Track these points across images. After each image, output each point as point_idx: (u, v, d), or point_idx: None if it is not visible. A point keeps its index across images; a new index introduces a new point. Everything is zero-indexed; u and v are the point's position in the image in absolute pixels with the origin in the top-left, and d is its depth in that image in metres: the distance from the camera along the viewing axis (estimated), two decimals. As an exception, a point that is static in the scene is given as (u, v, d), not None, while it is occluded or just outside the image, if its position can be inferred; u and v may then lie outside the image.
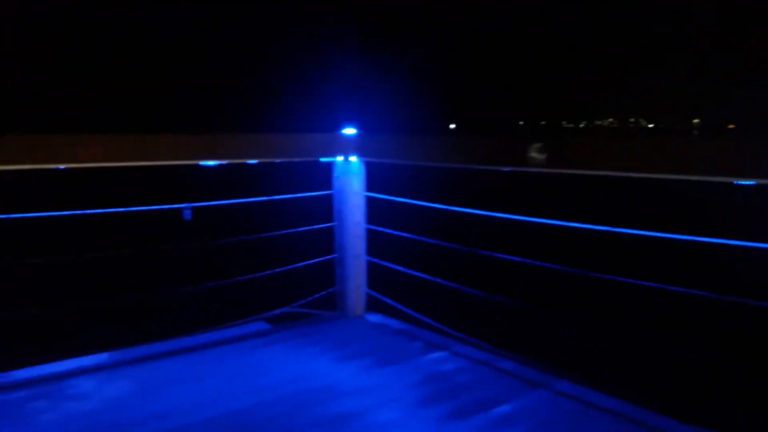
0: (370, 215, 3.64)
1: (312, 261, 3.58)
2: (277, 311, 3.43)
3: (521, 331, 3.73)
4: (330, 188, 3.63)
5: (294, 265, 3.49)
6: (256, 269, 3.34)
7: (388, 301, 3.54)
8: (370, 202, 3.63)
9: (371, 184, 3.61)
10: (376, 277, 3.66)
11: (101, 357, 2.87)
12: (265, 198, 3.43)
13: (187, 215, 3.11)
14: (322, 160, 3.56)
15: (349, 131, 3.55)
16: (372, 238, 3.65)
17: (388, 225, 3.56)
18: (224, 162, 3.21)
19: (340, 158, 3.56)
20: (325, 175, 3.62)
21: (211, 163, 3.18)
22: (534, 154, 2.47)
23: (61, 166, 2.73)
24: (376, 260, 3.61)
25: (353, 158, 3.54)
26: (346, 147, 3.55)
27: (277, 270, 3.41)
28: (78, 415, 2.31)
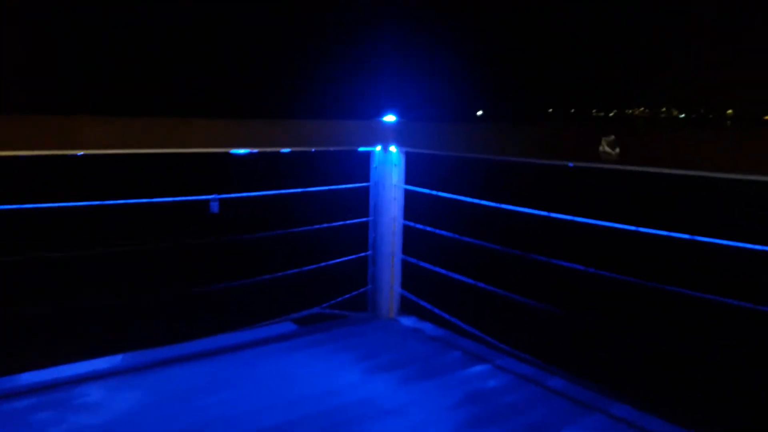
0: (408, 210, 3.42)
1: (344, 258, 3.37)
2: (305, 312, 3.24)
3: (573, 346, 3.50)
4: (367, 180, 3.41)
5: (325, 263, 3.29)
6: (285, 266, 3.15)
7: (423, 303, 3.33)
8: (409, 196, 3.41)
9: (411, 176, 3.39)
10: (411, 277, 3.44)
11: (114, 360, 2.70)
12: (298, 190, 3.22)
13: (214, 207, 2.92)
14: (360, 149, 3.34)
15: (389, 118, 3.33)
16: (409, 235, 3.43)
17: (426, 221, 3.34)
18: (255, 150, 3.01)
19: (378, 148, 3.34)
20: (362, 166, 3.40)
21: (241, 151, 2.98)
22: (605, 148, 2.21)
23: (79, 153, 2.55)
24: (411, 259, 3.40)
25: (392, 148, 3.32)
26: (385, 135, 3.32)
27: (306, 268, 3.22)
28: (87, 430, 2.14)
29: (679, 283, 2.07)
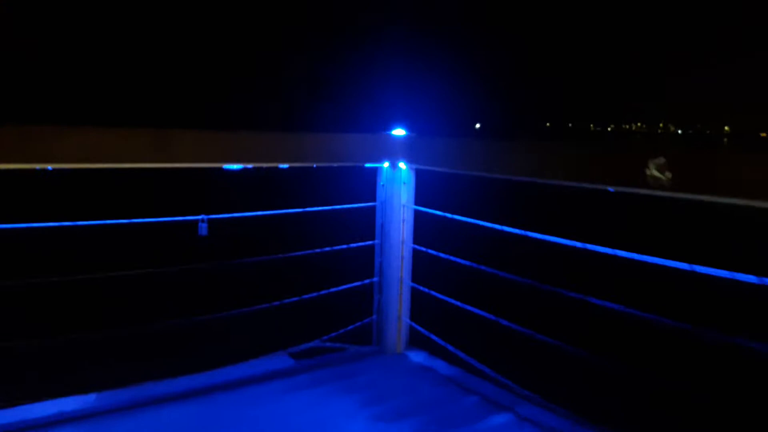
0: (418, 233, 3.14)
1: (347, 286, 3.08)
2: (304, 345, 2.94)
3: (610, 396, 3.20)
4: (373, 199, 3.13)
5: (326, 291, 3.01)
6: (281, 294, 2.86)
7: (434, 338, 3.04)
8: (419, 218, 3.13)
9: (421, 195, 3.11)
10: (420, 307, 3.15)
11: (88, 400, 2.40)
12: (296, 210, 2.93)
13: (203, 229, 2.63)
14: (366, 165, 3.06)
15: (398, 132, 3.05)
16: (418, 260, 3.15)
17: (438, 246, 3.06)
18: (250, 166, 2.72)
19: (386, 164, 3.06)
20: (368, 184, 3.12)
21: (235, 166, 2.70)
22: (654, 173, 1.93)
23: (49, 167, 2.26)
24: (421, 288, 3.11)
25: (401, 164, 3.04)
26: (393, 151, 3.05)
27: (305, 296, 2.93)
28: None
29: (745, 333, 1.78)
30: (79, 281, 2.42)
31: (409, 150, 3.04)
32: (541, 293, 2.57)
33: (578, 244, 2.38)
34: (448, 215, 2.97)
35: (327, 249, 3.02)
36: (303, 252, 2.96)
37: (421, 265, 3.14)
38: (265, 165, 2.80)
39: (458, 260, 2.93)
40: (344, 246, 3.08)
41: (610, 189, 2.17)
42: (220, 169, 2.67)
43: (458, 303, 2.91)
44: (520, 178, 2.64)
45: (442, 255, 3.02)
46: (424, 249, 3.11)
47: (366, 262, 3.16)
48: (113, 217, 2.41)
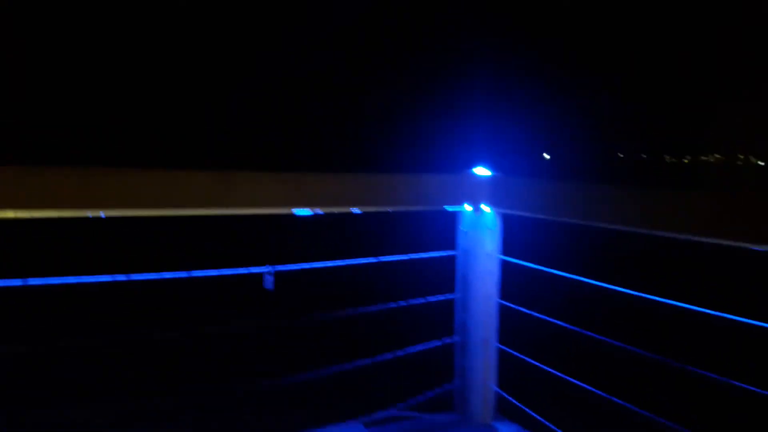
0: (506, 287, 2.80)
1: (423, 346, 2.76)
2: (379, 414, 2.62)
3: None
4: (453, 247, 2.82)
5: (402, 351, 2.69)
6: (351, 355, 2.56)
7: (527, 410, 2.66)
8: (507, 270, 2.79)
9: (509, 244, 2.78)
10: (509, 372, 2.79)
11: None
12: (367, 260, 2.65)
13: (269, 282, 2.38)
14: (447, 209, 2.76)
15: (481, 172, 2.75)
16: (507, 318, 2.80)
17: (530, 303, 2.71)
18: (320, 211, 2.47)
19: (468, 208, 2.75)
20: (447, 230, 2.82)
21: (303, 212, 2.44)
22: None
23: (102, 214, 2.06)
24: (511, 351, 2.75)
25: (486, 208, 2.73)
26: (476, 193, 2.74)
27: (379, 358, 2.62)
28: None
29: None
30: (130, 340, 2.19)
31: (494, 192, 2.73)
32: (657, 365, 2.18)
33: (711, 312, 1.99)
34: (544, 269, 2.63)
35: (402, 303, 2.72)
36: (374, 307, 2.66)
37: (509, 324, 2.79)
38: (336, 210, 2.54)
39: (555, 321, 2.58)
40: (420, 300, 2.77)
41: (757, 248, 1.79)
42: (288, 215, 2.43)
43: (554, 371, 2.55)
44: (636, 230, 2.28)
45: (535, 314, 2.68)
46: (514, 306, 2.76)
47: (444, 319, 2.83)
48: (170, 269, 2.19)
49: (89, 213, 2.05)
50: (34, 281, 2.00)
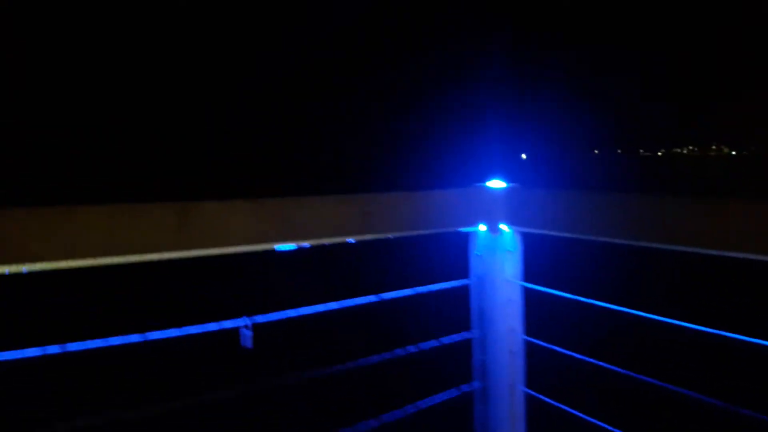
0: (531, 321, 2.39)
1: (437, 398, 2.33)
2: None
3: None
4: (465, 275, 2.40)
5: (411, 407, 2.25)
6: (351, 418, 2.11)
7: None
8: (531, 299, 2.38)
9: (533, 269, 2.38)
10: (541, 422, 2.37)
11: None
12: (364, 300, 2.20)
13: (247, 338, 1.92)
14: (456, 230, 2.34)
15: (496, 184, 2.34)
16: (534, 358, 2.39)
17: (561, 339, 2.30)
18: (306, 245, 2.02)
19: (482, 227, 2.34)
20: (458, 256, 2.40)
21: (285, 246, 2.00)
22: None
23: (24, 269, 1.59)
24: (541, 396, 2.34)
25: (503, 227, 2.32)
26: (491, 209, 2.34)
27: (385, 418, 2.17)
28: None
29: None
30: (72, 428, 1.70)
31: (511, 207, 2.33)
32: (718, 412, 1.79)
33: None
34: (576, 297, 2.23)
35: (410, 349, 2.28)
36: (376, 357, 2.22)
37: (537, 365, 2.38)
38: (326, 242, 2.09)
39: (591, 360, 2.17)
40: (432, 343, 2.33)
41: None
42: (267, 251, 1.97)
43: (594, 420, 2.14)
44: (685, 249, 1.89)
45: (567, 352, 2.27)
46: (542, 343, 2.35)
47: (461, 363, 2.41)
48: (117, 332, 1.70)
49: (5, 269, 1.56)
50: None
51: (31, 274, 1.58)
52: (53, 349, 1.67)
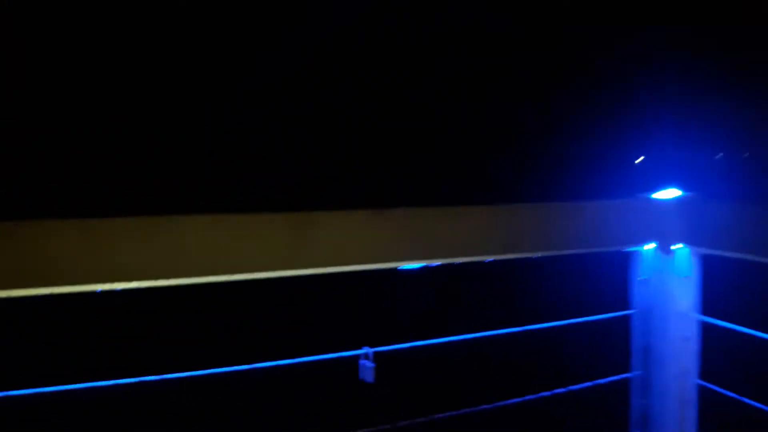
0: (708, 363, 1.95)
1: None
2: None
3: None
4: (624, 304, 2.01)
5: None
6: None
7: None
8: (709, 337, 1.94)
9: (713, 300, 1.94)
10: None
11: None
12: (503, 331, 1.87)
13: (367, 371, 1.66)
14: (615, 250, 1.96)
15: (668, 194, 1.94)
16: (710, 408, 1.95)
17: (748, 387, 1.85)
18: (436, 263, 1.73)
19: (650, 246, 1.94)
20: (615, 280, 2.01)
21: (413, 265, 1.72)
22: None
23: (97, 289, 1.42)
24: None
25: (677, 247, 1.90)
26: (662, 225, 1.95)
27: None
28: None
29: None
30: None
31: (688, 222, 1.91)
32: None
33: None
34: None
35: (559, 391, 1.92)
36: (515, 400, 1.88)
37: (713, 417, 1.94)
38: (457, 261, 1.79)
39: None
40: (585, 383, 1.96)
41: None
42: (390, 271, 1.69)
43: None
44: None
45: (756, 404, 1.82)
46: (722, 391, 1.91)
47: (615, 408, 2.01)
48: (222, 363, 1.50)
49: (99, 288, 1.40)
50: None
51: (124, 292, 1.40)
52: (145, 378, 1.49)
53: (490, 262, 1.86)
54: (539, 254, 1.83)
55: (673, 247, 1.92)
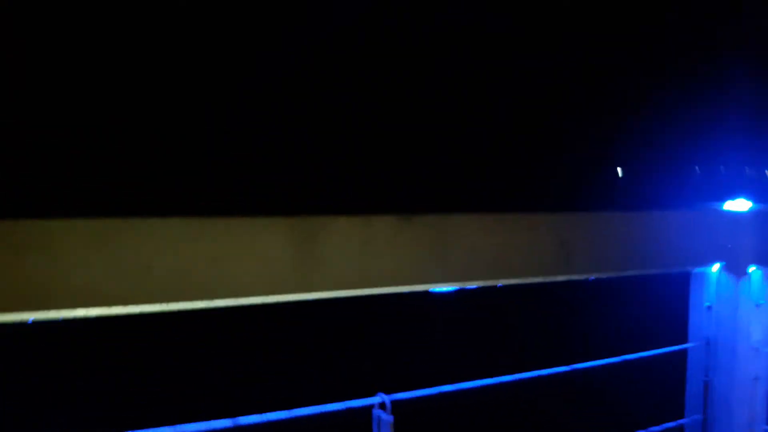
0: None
1: None
2: None
3: None
4: (681, 335, 1.70)
5: None
6: None
7: None
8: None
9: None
10: None
11: None
12: (547, 372, 1.53)
13: (383, 424, 1.31)
14: (675, 271, 1.65)
15: (738, 205, 1.64)
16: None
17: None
18: (472, 286, 1.39)
19: (715, 267, 1.63)
20: (667, 305, 1.70)
21: (444, 288, 1.38)
22: None
23: (60, 317, 1.05)
24: None
25: (751, 268, 1.61)
26: (732, 242, 1.66)
27: None
28: None
29: None
30: None
31: (764, 240, 1.60)
32: None
33: None
34: None
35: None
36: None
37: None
38: (493, 283, 1.44)
39: None
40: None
41: None
42: (418, 293, 1.34)
43: None
44: None
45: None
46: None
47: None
48: (204, 416, 1.12)
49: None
50: None
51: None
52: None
53: (528, 284, 1.52)
54: (596, 275, 1.50)
55: (746, 269, 1.62)
